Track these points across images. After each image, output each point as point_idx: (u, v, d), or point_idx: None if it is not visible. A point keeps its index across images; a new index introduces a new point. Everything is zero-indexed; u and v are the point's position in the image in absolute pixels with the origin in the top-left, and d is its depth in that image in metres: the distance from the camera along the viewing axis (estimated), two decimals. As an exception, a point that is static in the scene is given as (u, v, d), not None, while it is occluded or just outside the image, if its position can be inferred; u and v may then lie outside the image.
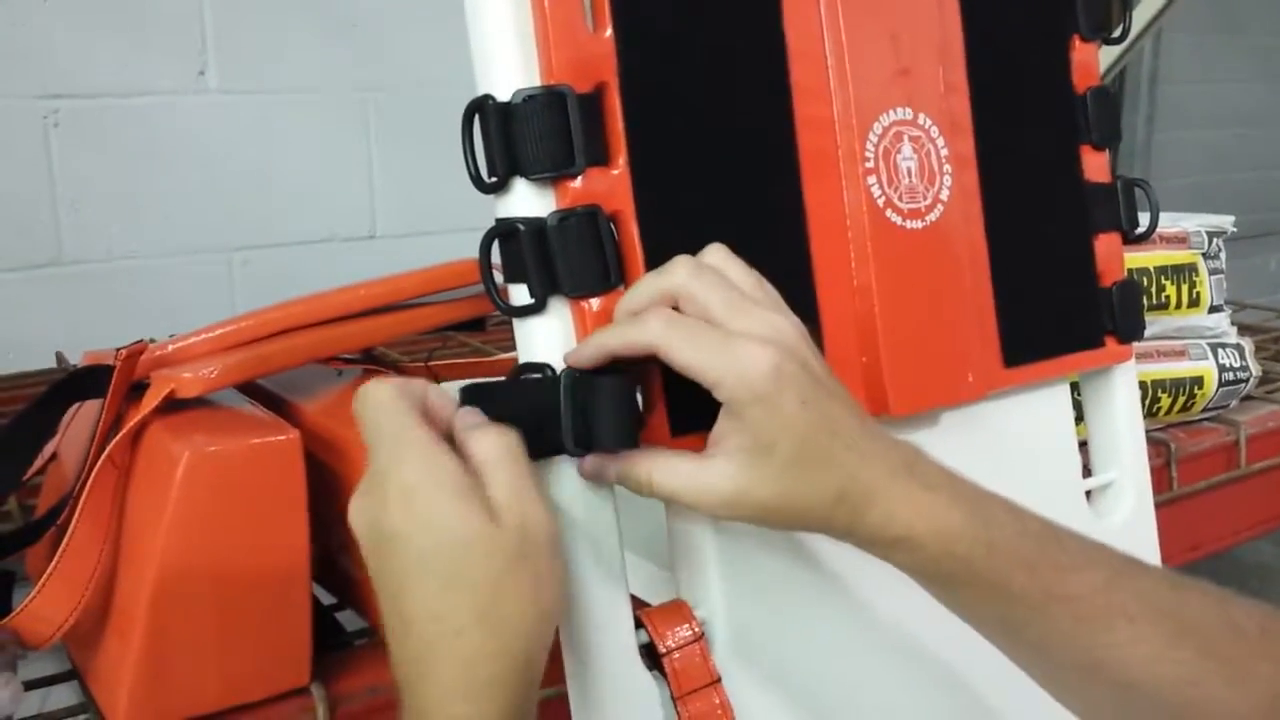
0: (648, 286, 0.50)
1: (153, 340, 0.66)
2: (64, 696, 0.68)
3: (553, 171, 0.52)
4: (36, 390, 1.15)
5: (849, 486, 0.48)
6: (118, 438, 0.59)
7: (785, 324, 0.49)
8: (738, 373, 0.46)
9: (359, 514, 0.45)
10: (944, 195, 0.63)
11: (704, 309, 0.48)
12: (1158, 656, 0.48)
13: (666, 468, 0.49)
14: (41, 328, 1.37)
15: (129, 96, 1.42)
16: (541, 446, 0.50)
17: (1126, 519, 0.75)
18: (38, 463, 0.67)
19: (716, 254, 0.51)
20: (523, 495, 0.45)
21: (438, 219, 1.66)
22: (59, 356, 1.30)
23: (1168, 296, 1.01)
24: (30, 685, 0.64)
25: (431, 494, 0.43)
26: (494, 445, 0.46)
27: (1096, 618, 0.49)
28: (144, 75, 1.43)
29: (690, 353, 0.47)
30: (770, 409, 0.46)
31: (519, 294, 0.53)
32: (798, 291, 0.59)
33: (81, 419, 0.67)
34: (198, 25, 1.46)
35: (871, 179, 0.60)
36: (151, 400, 0.61)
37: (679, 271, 0.49)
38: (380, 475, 0.44)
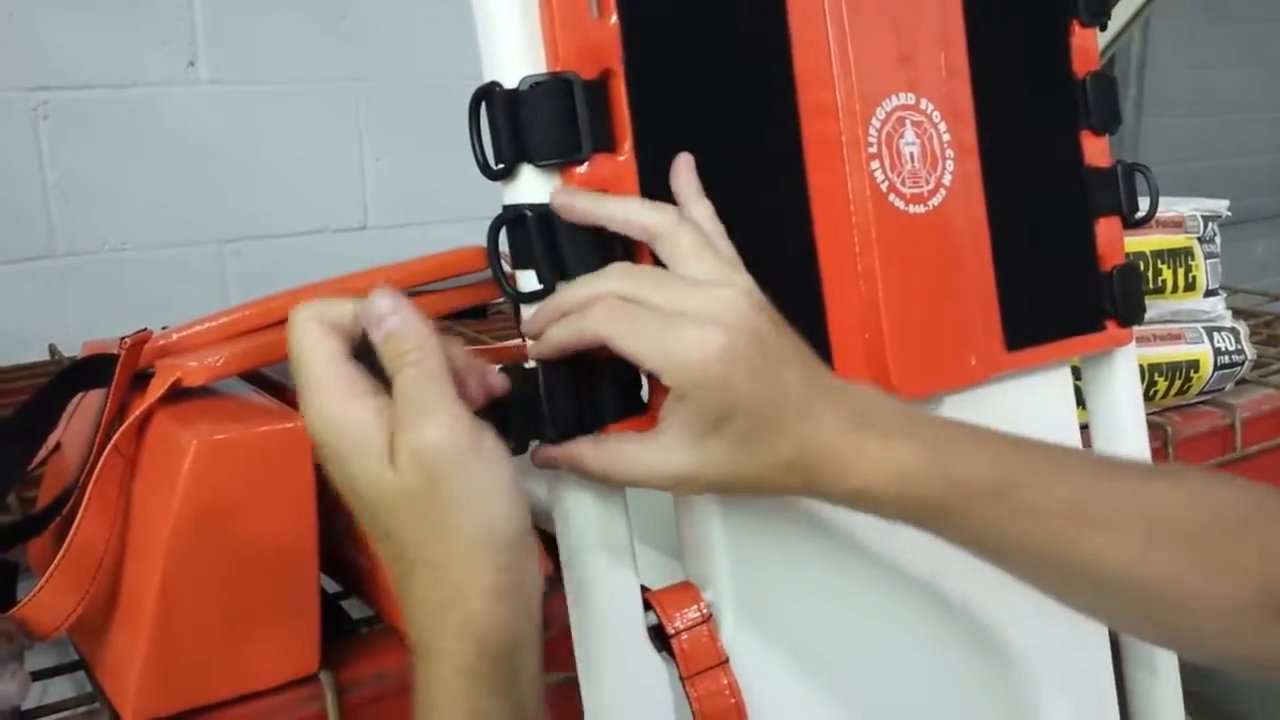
0: (571, 292, 0.50)
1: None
2: (66, 688, 0.68)
3: (559, 158, 0.52)
4: (30, 383, 1.15)
5: (799, 454, 0.47)
6: (124, 427, 0.59)
7: (729, 294, 0.47)
8: (679, 360, 0.45)
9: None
10: (946, 180, 0.63)
11: (644, 298, 0.47)
12: (1136, 560, 0.49)
13: (614, 454, 0.49)
14: (33, 320, 1.36)
15: (119, 88, 1.41)
16: (522, 435, 0.50)
17: (1126, 501, 0.76)
18: (41, 454, 0.66)
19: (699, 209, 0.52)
20: (419, 410, 0.43)
21: (430, 209, 1.66)
22: (52, 349, 1.30)
23: (1164, 280, 1.01)
24: (36, 676, 0.64)
25: (334, 445, 0.43)
26: (389, 349, 0.44)
27: (1069, 531, 0.49)
28: (134, 66, 1.42)
29: (631, 340, 0.46)
30: (714, 391, 0.46)
31: (527, 280, 0.53)
32: (802, 276, 0.59)
33: (84, 410, 0.67)
34: (188, 16, 1.45)
35: (875, 164, 0.60)
36: (157, 389, 0.60)
37: (612, 270, 0.49)
38: (304, 419, 0.45)
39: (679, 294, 0.47)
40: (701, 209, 0.53)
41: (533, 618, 0.45)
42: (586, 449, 0.50)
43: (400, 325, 0.44)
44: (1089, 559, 0.49)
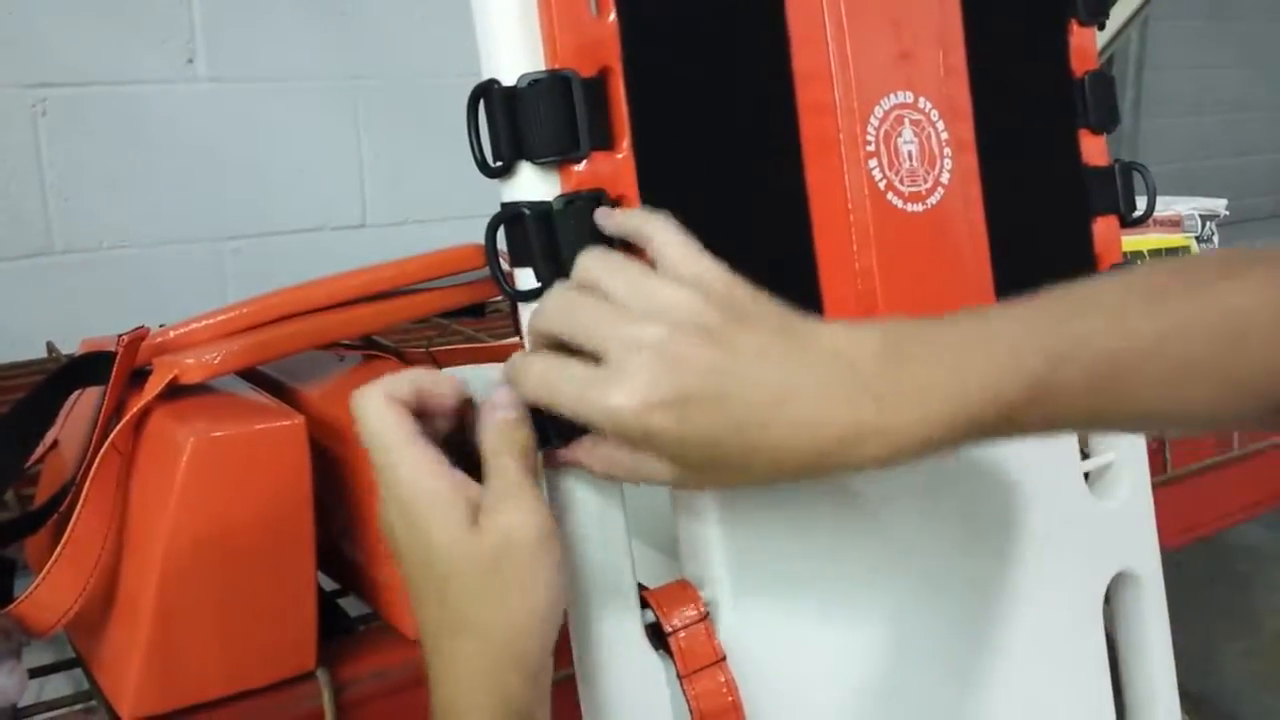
0: (533, 334, 0.50)
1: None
2: (63, 685, 0.68)
3: (557, 156, 0.52)
4: (27, 381, 1.15)
5: (778, 469, 0.45)
6: (121, 424, 0.59)
7: (666, 308, 0.45)
8: (612, 424, 0.44)
9: (381, 522, 0.47)
10: (944, 178, 0.64)
11: (578, 343, 0.46)
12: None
13: (618, 458, 0.48)
14: (31, 318, 1.36)
15: (118, 85, 1.41)
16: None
17: (1125, 501, 0.76)
18: (38, 451, 0.66)
19: (589, 266, 0.49)
20: (511, 496, 0.45)
21: (428, 207, 1.66)
22: (50, 347, 1.30)
23: (1161, 280, 1.01)
24: (33, 674, 0.64)
25: (417, 509, 0.45)
26: (494, 438, 0.47)
27: (1155, 387, 0.46)
28: (133, 63, 1.42)
29: (568, 405, 0.45)
30: (657, 439, 0.44)
31: (525, 278, 0.53)
32: (800, 274, 0.59)
33: (82, 407, 0.67)
34: (186, 13, 1.45)
35: (873, 162, 0.60)
36: (154, 386, 0.60)
37: (545, 308, 0.49)
38: (383, 487, 0.46)
39: (602, 338, 0.45)
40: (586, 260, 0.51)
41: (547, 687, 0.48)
42: (587, 451, 0.50)
43: (518, 421, 0.48)
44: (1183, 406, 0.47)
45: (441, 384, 0.49)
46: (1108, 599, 0.76)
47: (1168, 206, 1.02)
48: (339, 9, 1.57)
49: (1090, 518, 0.74)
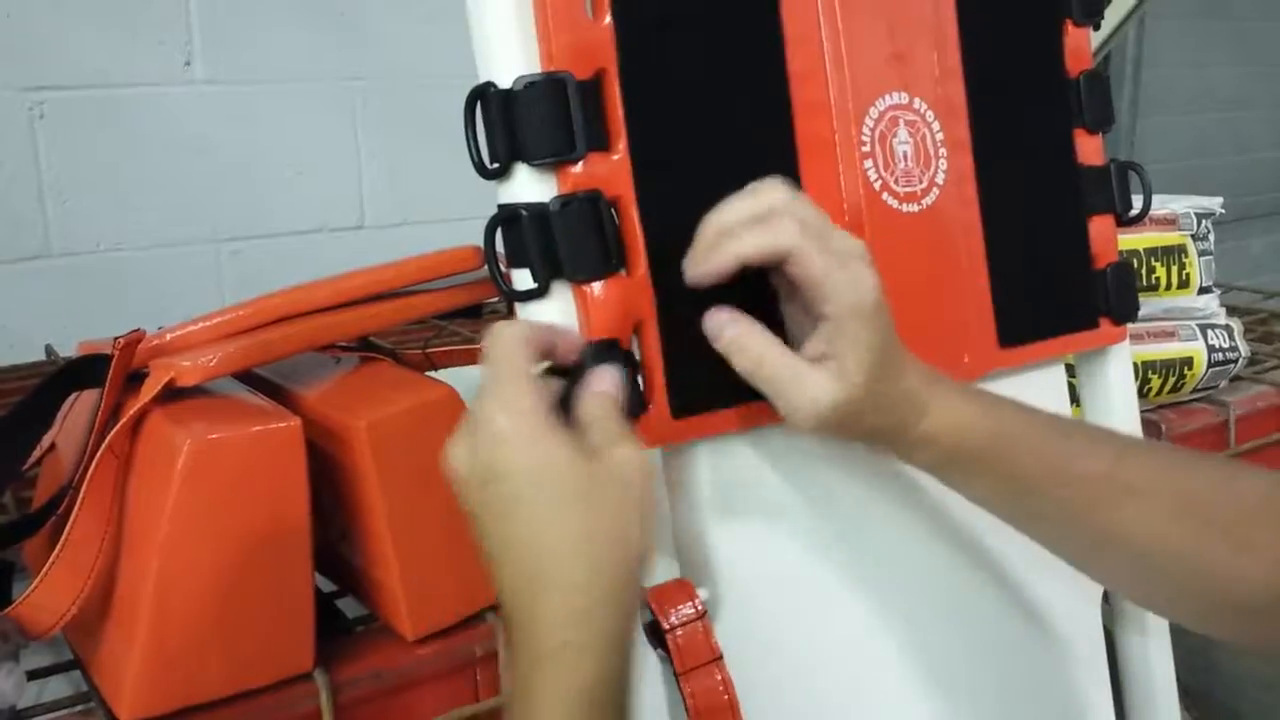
0: (745, 204, 0.51)
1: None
2: (62, 687, 0.67)
3: (554, 157, 0.52)
4: (26, 383, 1.15)
5: (903, 390, 0.53)
6: (118, 427, 0.59)
7: (864, 249, 0.52)
8: (856, 290, 0.50)
9: (462, 451, 0.47)
10: (939, 179, 0.64)
11: (810, 227, 0.50)
12: (1164, 530, 0.52)
13: (777, 360, 0.51)
14: (30, 320, 1.36)
15: (115, 87, 1.41)
16: None
17: (1120, 499, 0.76)
18: (35, 453, 0.66)
19: (805, 206, 0.53)
20: (619, 438, 0.47)
21: (426, 209, 1.66)
22: (48, 349, 1.30)
23: (1157, 278, 1.02)
24: (31, 676, 0.64)
25: (535, 432, 0.45)
26: (592, 404, 0.49)
27: (1104, 496, 0.53)
28: (130, 66, 1.42)
29: (821, 263, 0.50)
30: (871, 327, 0.51)
31: (522, 279, 0.53)
32: (797, 275, 0.60)
33: (79, 409, 0.67)
34: (183, 15, 1.45)
35: (868, 163, 0.61)
36: (151, 389, 0.60)
37: (778, 190, 0.51)
38: (488, 414, 0.46)
39: (838, 235, 0.52)
40: (803, 205, 0.54)
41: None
42: (755, 344, 0.52)
43: (615, 403, 0.50)
44: (1122, 524, 0.52)
45: (569, 338, 0.51)
46: (1106, 596, 0.76)
47: (1163, 205, 1.02)
48: (336, 10, 1.57)
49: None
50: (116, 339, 0.62)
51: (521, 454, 0.45)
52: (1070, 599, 0.73)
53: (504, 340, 0.48)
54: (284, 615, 0.61)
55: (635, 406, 0.53)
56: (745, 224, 0.51)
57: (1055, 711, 0.72)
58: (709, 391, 0.54)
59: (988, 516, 0.68)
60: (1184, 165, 2.86)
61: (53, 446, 0.70)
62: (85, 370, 0.63)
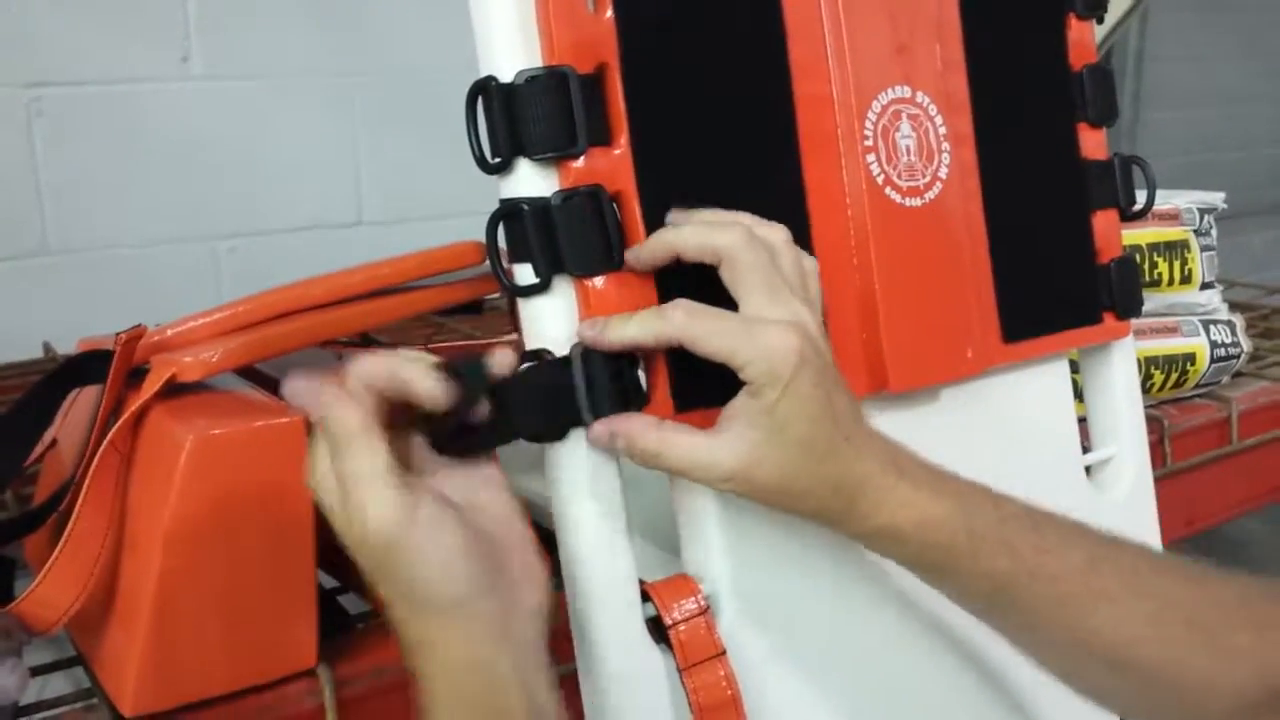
0: (697, 235, 0.51)
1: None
2: (63, 684, 0.67)
3: (556, 152, 0.52)
4: (24, 381, 1.15)
5: (845, 477, 0.50)
6: (119, 423, 0.59)
7: (805, 312, 0.51)
8: (764, 355, 0.48)
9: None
10: (942, 173, 0.63)
11: (743, 281, 0.50)
12: (1141, 636, 0.50)
13: (674, 441, 0.50)
14: (27, 318, 1.36)
15: (113, 84, 1.41)
16: (556, 425, 0.52)
17: (1126, 494, 0.76)
18: (37, 450, 0.66)
19: (775, 232, 0.53)
20: (359, 493, 0.45)
21: (423, 205, 1.66)
22: (46, 347, 1.29)
23: (1160, 273, 1.01)
24: (34, 672, 0.64)
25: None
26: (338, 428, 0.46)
27: (1079, 598, 0.51)
28: (128, 62, 1.42)
29: (717, 341, 0.49)
30: (787, 392, 0.48)
31: (524, 274, 0.53)
32: (799, 269, 0.59)
33: (80, 405, 0.67)
34: (181, 11, 1.45)
35: (871, 157, 0.60)
36: (153, 385, 0.60)
37: (733, 234, 0.51)
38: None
39: (772, 296, 0.50)
40: (773, 231, 0.53)
41: (526, 634, 0.48)
42: (646, 429, 0.51)
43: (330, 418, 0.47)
44: (1097, 630, 0.50)
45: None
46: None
47: (1166, 200, 1.02)
48: (334, 6, 1.57)
49: (1093, 510, 0.74)
50: (118, 335, 0.62)
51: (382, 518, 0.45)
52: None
53: (346, 427, 0.46)
54: (287, 611, 0.61)
55: (637, 402, 0.53)
56: (696, 222, 0.51)
57: (1058, 707, 0.72)
58: (711, 386, 0.54)
59: (998, 487, 0.68)
60: (1185, 160, 2.85)
61: (54, 443, 0.70)
62: (86, 367, 0.63)
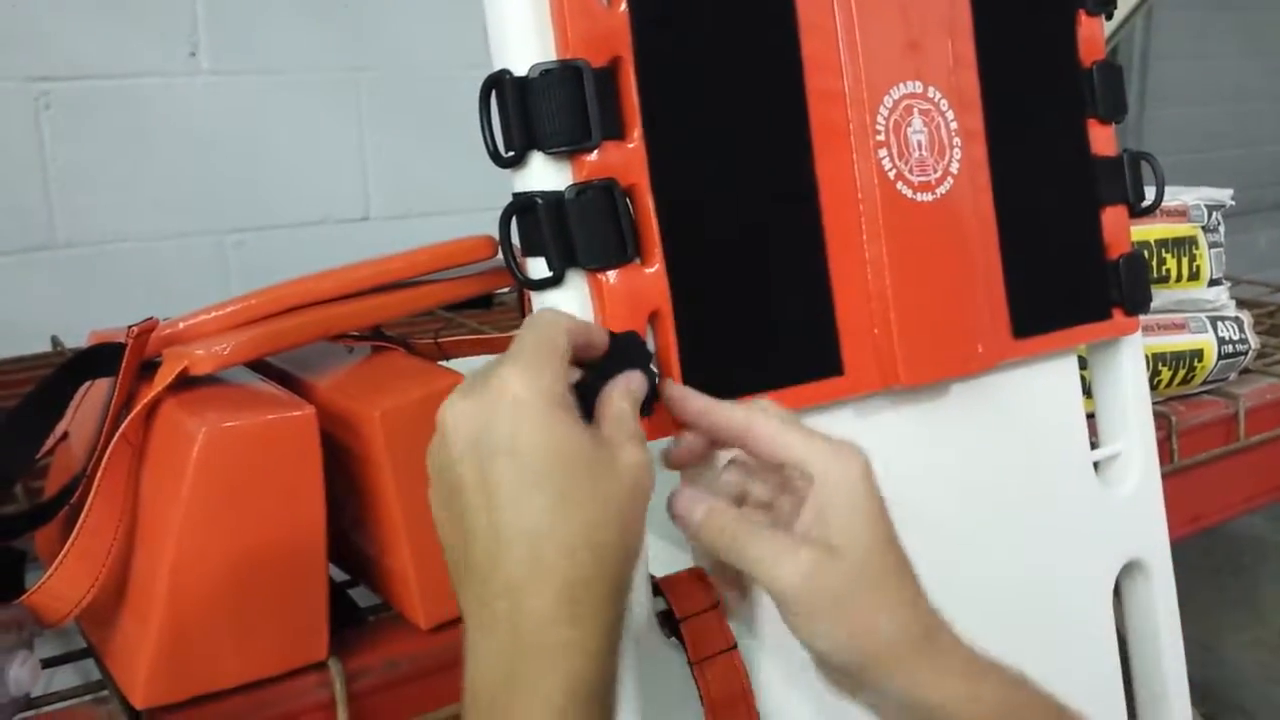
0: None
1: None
2: (70, 678, 0.68)
3: (569, 145, 0.52)
4: (31, 374, 1.15)
5: (888, 637, 0.47)
6: (131, 415, 0.59)
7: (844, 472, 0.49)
8: (841, 468, 0.48)
9: (460, 417, 0.43)
10: (953, 168, 0.63)
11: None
12: None
13: (751, 539, 0.48)
14: (35, 311, 1.36)
15: (120, 78, 1.41)
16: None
17: (1134, 489, 0.76)
18: (49, 443, 0.66)
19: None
20: (636, 438, 0.46)
21: (432, 200, 1.66)
22: (54, 340, 1.30)
23: (1168, 270, 1.01)
24: (43, 665, 0.64)
25: (555, 411, 0.43)
26: (619, 398, 0.48)
27: None
28: (135, 56, 1.42)
29: (800, 442, 0.48)
30: (860, 514, 0.48)
31: (537, 267, 0.53)
32: (810, 263, 0.59)
33: (92, 398, 0.67)
34: (188, 6, 1.45)
35: (882, 152, 0.60)
36: (165, 377, 0.60)
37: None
38: (504, 379, 0.43)
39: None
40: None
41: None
42: (727, 527, 0.49)
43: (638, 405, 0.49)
44: None
45: (603, 339, 0.50)
46: (1117, 592, 0.76)
47: (1174, 197, 1.02)
48: (341, 2, 1.57)
49: (1100, 506, 0.74)
50: (130, 327, 0.62)
51: (538, 430, 0.42)
52: (1083, 590, 0.73)
53: (544, 319, 0.47)
54: (298, 604, 0.61)
55: (650, 397, 0.53)
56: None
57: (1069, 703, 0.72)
58: (724, 382, 0.54)
59: (1001, 507, 0.68)
60: (1191, 158, 2.85)
61: (65, 436, 0.70)
62: (98, 359, 0.63)
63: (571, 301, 0.53)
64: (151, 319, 0.63)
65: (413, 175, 1.65)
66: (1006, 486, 0.69)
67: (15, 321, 1.35)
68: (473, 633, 0.43)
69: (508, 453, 0.42)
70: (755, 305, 0.58)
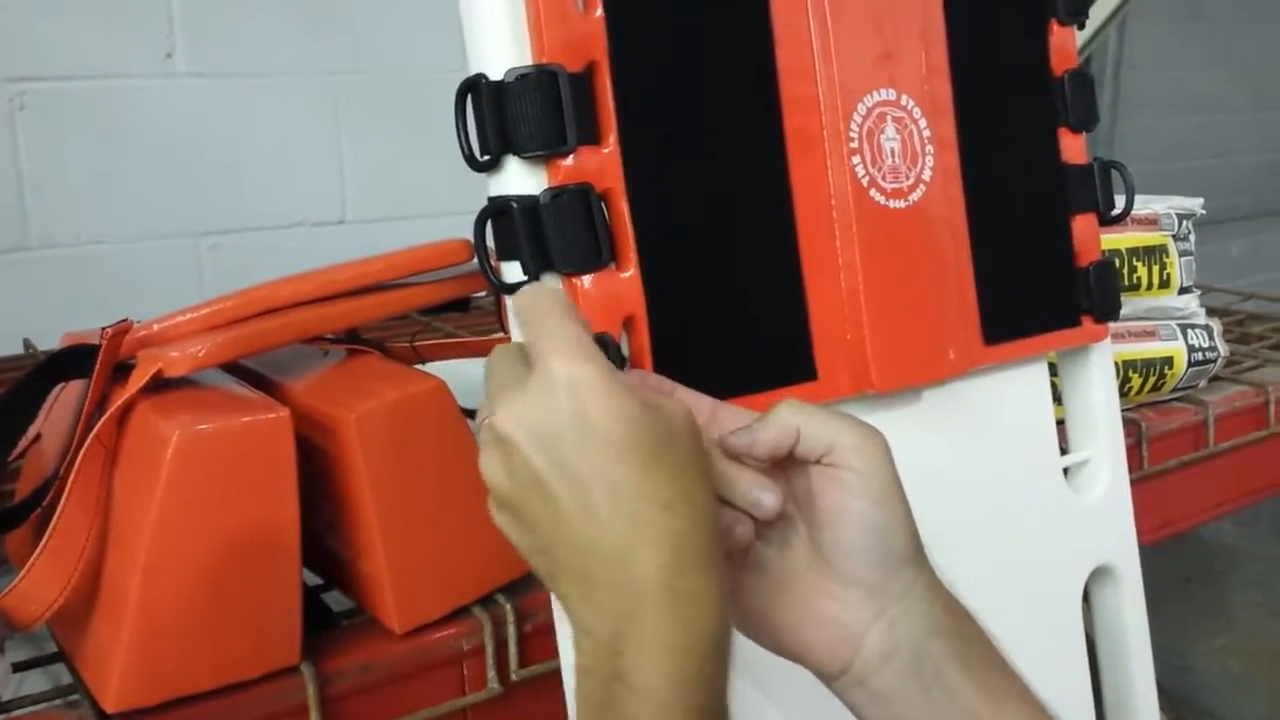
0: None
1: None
2: (41, 682, 0.67)
3: (545, 150, 0.52)
4: (3, 377, 1.14)
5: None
6: (105, 417, 0.59)
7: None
8: (876, 442, 0.49)
9: (518, 418, 0.43)
10: (926, 175, 0.64)
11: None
12: None
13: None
14: (7, 314, 1.35)
15: (96, 79, 1.40)
16: None
17: (1102, 495, 0.77)
18: (20, 445, 0.66)
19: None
20: (665, 395, 0.46)
21: (408, 203, 1.66)
22: (26, 343, 1.29)
23: (1139, 278, 1.03)
24: (15, 668, 0.64)
25: (609, 382, 0.43)
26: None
27: None
28: (112, 57, 1.41)
29: (828, 420, 0.49)
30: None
31: (512, 271, 0.53)
32: (783, 268, 0.60)
33: (64, 400, 0.66)
34: (165, 7, 1.44)
35: (856, 159, 0.61)
36: (138, 379, 0.60)
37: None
38: (544, 371, 0.43)
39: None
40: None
41: None
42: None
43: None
44: None
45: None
46: (1087, 598, 0.77)
47: (1145, 205, 1.03)
48: (319, 4, 1.57)
49: (1069, 511, 0.75)
50: (104, 329, 0.62)
51: (602, 403, 0.42)
52: (1051, 594, 0.74)
53: (541, 301, 0.46)
54: (271, 607, 0.61)
55: None
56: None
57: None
58: (698, 387, 0.54)
59: (970, 512, 0.69)
60: (1163, 167, 2.88)
61: (37, 438, 0.69)
62: (71, 361, 0.63)
63: (546, 305, 0.53)
64: (125, 321, 0.63)
65: (390, 178, 1.65)
66: (977, 491, 0.69)
67: (-12, 323, 1.34)
68: (581, 618, 0.43)
69: (580, 433, 0.42)
70: (729, 310, 0.58)
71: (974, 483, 0.69)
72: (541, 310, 0.46)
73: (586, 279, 0.53)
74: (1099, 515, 0.77)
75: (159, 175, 1.46)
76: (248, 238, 1.55)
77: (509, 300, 0.52)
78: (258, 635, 0.61)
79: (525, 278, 0.53)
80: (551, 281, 0.53)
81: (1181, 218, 1.05)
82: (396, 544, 0.63)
